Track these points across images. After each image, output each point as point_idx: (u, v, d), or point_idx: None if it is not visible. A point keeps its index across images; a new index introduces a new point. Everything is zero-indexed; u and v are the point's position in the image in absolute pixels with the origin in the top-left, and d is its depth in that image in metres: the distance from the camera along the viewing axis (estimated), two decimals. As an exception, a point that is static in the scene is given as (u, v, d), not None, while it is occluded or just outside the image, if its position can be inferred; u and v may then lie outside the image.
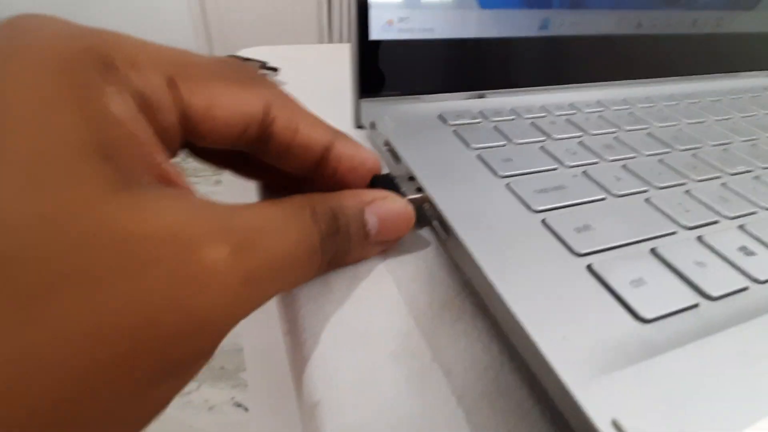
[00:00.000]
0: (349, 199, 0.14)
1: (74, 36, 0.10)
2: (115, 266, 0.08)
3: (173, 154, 0.13)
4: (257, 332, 0.35)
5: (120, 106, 0.10)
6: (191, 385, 0.91)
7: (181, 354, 0.09)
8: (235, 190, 0.28)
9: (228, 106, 0.13)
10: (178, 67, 0.12)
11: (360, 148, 0.16)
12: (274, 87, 0.14)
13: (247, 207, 0.11)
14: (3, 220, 0.08)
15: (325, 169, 0.15)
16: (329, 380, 0.13)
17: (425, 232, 0.18)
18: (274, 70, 0.34)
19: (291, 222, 0.12)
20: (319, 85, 0.29)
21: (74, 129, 0.09)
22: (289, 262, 0.12)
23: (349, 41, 0.21)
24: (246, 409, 0.88)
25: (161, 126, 0.11)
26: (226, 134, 0.13)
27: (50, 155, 0.09)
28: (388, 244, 0.16)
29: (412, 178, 0.18)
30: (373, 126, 0.21)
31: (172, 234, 0.09)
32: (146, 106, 0.11)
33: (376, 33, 0.21)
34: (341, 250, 0.14)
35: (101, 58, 0.10)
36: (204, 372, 0.93)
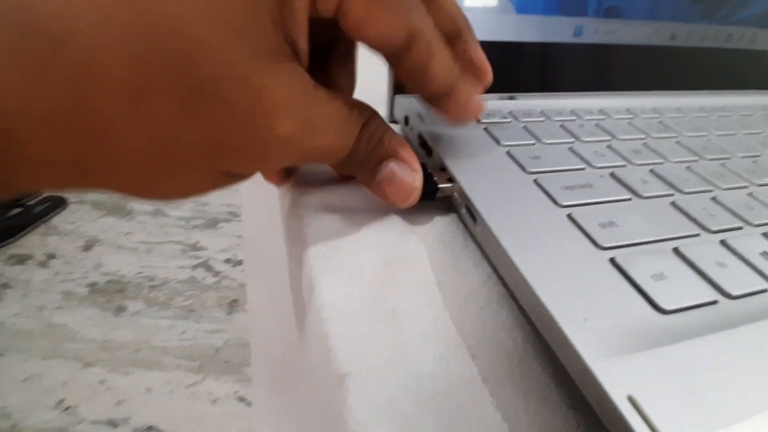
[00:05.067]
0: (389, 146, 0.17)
1: None
2: (237, 92, 0.12)
3: None
4: (266, 329, 0.36)
5: None
6: (196, 377, 0.93)
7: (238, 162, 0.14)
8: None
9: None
10: None
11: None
12: None
13: (330, 98, 0.15)
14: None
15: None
16: (359, 354, 0.13)
17: (454, 220, 0.18)
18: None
19: (348, 127, 0.15)
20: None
21: None
22: (327, 152, 0.16)
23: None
24: (249, 404, 0.89)
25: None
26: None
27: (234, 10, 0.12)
28: (388, 197, 0.17)
29: (443, 169, 0.19)
30: (406, 121, 0.22)
31: (271, 103, 0.13)
32: None
33: (414, 32, 0.22)
34: (353, 166, 0.17)
35: None
36: (209, 365, 0.95)
